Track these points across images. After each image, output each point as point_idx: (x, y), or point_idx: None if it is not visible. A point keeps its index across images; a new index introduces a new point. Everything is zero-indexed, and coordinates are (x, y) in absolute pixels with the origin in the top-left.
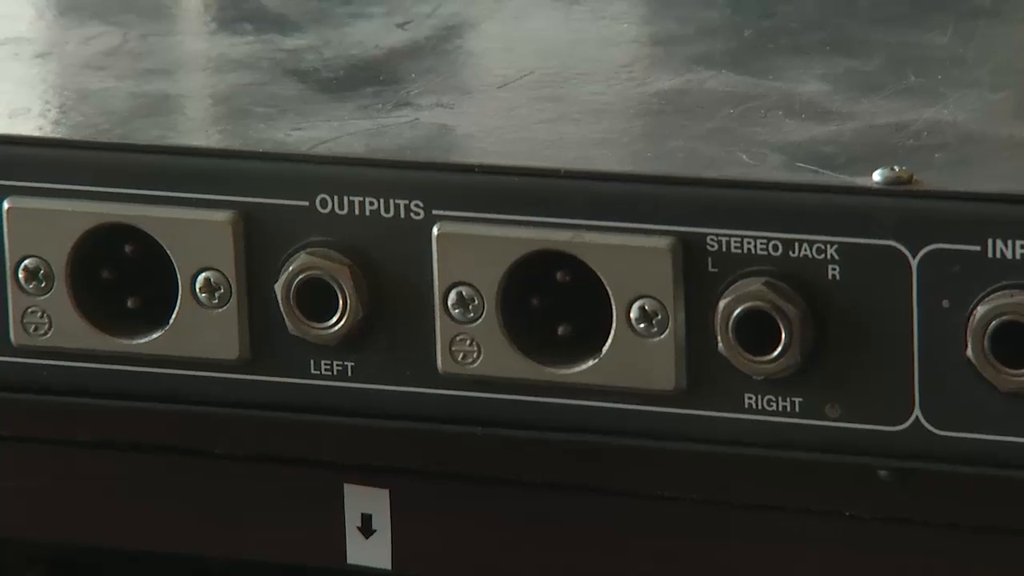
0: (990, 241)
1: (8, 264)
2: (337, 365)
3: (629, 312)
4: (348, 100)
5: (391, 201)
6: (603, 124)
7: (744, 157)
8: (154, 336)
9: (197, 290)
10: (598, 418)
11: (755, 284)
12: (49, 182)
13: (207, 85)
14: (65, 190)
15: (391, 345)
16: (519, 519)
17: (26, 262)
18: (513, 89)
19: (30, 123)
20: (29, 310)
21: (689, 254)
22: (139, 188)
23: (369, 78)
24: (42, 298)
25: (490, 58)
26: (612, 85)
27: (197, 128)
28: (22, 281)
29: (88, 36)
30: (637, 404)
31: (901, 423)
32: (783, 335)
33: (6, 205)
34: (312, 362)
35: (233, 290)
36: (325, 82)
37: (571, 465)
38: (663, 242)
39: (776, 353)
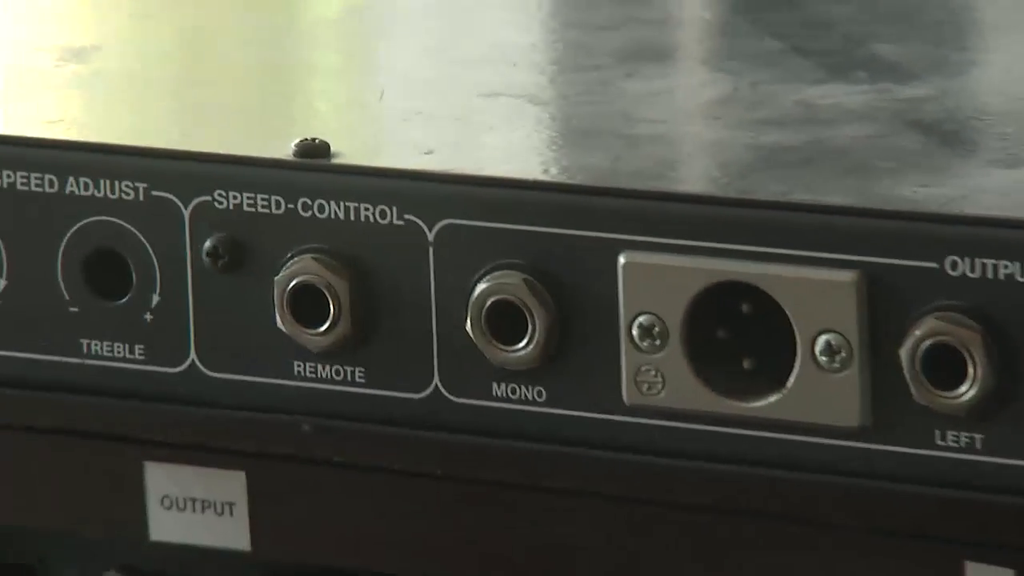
0: None
1: (623, 320)
2: (965, 436)
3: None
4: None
5: None
6: None
7: None
8: (771, 399)
9: (818, 353)
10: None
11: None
12: (665, 237)
13: (824, 137)
14: (681, 245)
15: None
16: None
17: (641, 319)
18: None
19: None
20: (643, 368)
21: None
22: (759, 245)
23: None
24: (656, 356)
25: None
26: None
27: (818, 182)
28: (636, 338)
29: (698, 83)
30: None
31: None
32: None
33: (622, 260)
34: (937, 433)
35: (855, 353)
36: (949, 135)
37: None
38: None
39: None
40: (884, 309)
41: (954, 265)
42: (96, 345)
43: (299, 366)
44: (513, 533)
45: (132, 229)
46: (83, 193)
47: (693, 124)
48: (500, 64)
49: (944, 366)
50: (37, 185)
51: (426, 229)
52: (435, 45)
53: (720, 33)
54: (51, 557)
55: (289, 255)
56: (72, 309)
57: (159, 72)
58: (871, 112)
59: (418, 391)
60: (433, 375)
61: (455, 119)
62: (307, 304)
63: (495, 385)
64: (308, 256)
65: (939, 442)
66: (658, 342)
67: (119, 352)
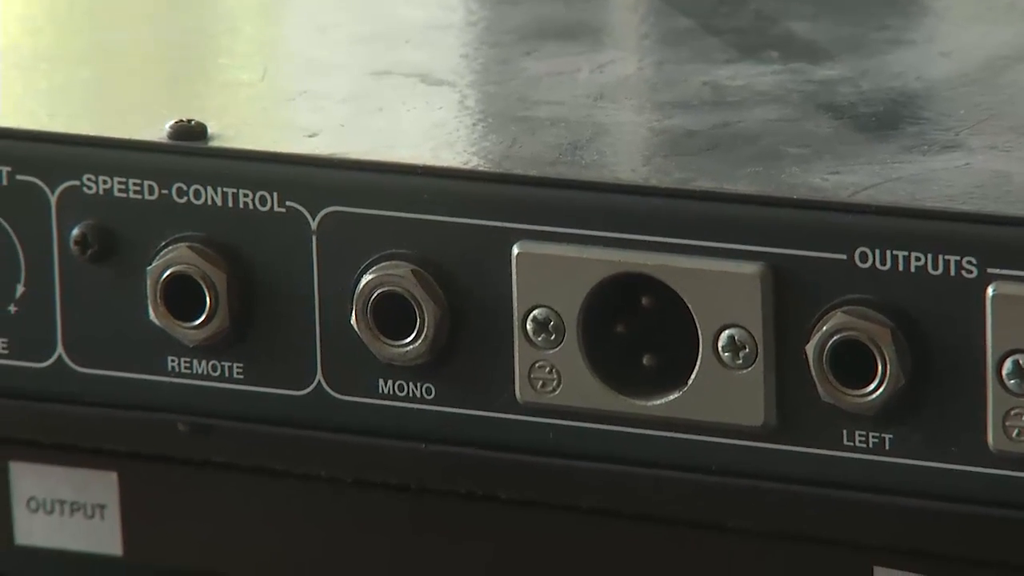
0: None
1: (517, 314)
2: (874, 436)
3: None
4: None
5: (940, 257)
6: None
7: None
8: (672, 397)
9: (721, 349)
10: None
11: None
12: (562, 226)
13: (731, 121)
14: (578, 235)
15: None
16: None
17: (535, 312)
18: None
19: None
20: (537, 364)
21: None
22: (660, 235)
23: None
24: (551, 352)
25: None
26: None
27: (724, 169)
28: (530, 333)
29: (601, 62)
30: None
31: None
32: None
33: (516, 250)
34: (845, 433)
35: (760, 349)
36: (863, 119)
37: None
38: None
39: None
40: (790, 303)
41: (864, 257)
42: None
43: (173, 361)
44: (398, 537)
45: None
46: None
47: (595, 107)
48: (392, 41)
49: (852, 362)
50: None
51: (309, 217)
52: (322, 21)
53: (627, 10)
54: None
55: (163, 244)
56: None
57: (27, 48)
58: (782, 94)
59: (300, 388)
60: (316, 371)
61: (342, 100)
62: (182, 296)
63: (381, 382)
64: (183, 245)
65: (847, 442)
66: (553, 337)
67: None
